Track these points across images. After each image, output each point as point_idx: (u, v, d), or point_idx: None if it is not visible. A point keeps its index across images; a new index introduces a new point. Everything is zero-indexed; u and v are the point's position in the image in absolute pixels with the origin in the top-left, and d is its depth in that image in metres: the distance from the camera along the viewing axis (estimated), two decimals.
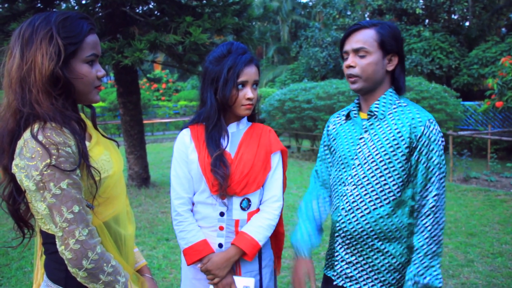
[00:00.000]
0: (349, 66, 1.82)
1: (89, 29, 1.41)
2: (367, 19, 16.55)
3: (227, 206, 1.91)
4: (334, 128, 2.02)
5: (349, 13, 16.72)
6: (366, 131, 1.85)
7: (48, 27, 1.34)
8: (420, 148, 1.73)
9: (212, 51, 1.95)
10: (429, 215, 1.73)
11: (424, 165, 1.74)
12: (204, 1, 7.38)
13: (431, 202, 1.73)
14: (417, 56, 13.27)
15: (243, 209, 1.93)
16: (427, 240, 1.72)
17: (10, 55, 1.37)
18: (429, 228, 1.73)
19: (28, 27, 1.35)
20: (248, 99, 1.88)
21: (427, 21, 15.19)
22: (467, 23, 15.41)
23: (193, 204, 1.98)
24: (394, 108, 1.83)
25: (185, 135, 1.97)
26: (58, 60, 1.33)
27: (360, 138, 1.86)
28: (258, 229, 1.91)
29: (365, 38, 1.80)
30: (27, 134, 1.30)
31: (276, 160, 2.00)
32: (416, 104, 1.85)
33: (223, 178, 1.84)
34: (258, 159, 1.93)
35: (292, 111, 10.88)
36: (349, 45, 1.83)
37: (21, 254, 4.70)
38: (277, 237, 2.11)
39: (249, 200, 1.93)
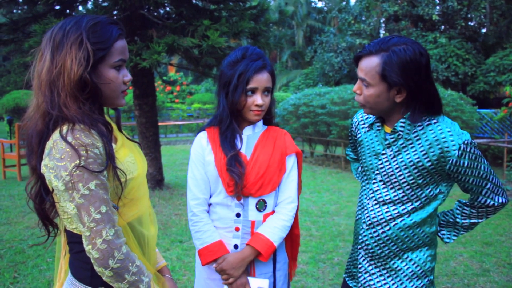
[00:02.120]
0: (355, 92, 1.77)
1: (118, 34, 1.44)
2: (383, 25, 16.51)
3: (243, 206, 1.93)
4: (359, 133, 1.97)
5: (364, 18, 16.69)
6: (389, 147, 1.79)
7: (78, 32, 1.37)
8: (465, 171, 1.69)
9: (229, 55, 1.99)
10: (498, 202, 1.79)
11: (475, 183, 1.74)
12: (222, 5, 7.42)
13: (501, 199, 1.79)
14: (432, 62, 13.19)
15: (258, 210, 1.95)
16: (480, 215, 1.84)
17: (40, 57, 1.40)
18: (484, 214, 1.84)
19: (59, 31, 1.38)
20: (257, 105, 1.91)
21: (443, 27, 15.10)
22: (484, 30, 15.29)
23: (209, 205, 2.01)
24: (420, 126, 1.72)
25: (202, 137, 2.01)
26: (87, 65, 1.35)
27: (383, 154, 1.81)
28: (273, 230, 1.93)
29: (367, 68, 1.67)
30: (56, 135, 1.32)
31: (291, 162, 2.03)
32: (449, 122, 1.73)
33: (238, 177, 1.87)
34: (273, 161, 1.96)
35: (306, 116, 10.87)
36: (358, 71, 1.73)
37: (37, 252, 4.76)
38: (292, 239, 2.14)
39: (264, 202, 1.96)
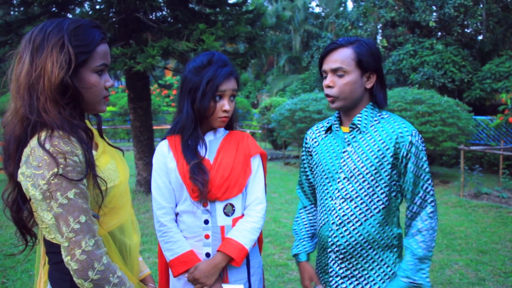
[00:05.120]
0: (328, 86, 1.84)
1: (101, 38, 1.40)
2: (380, 31, 16.54)
3: (210, 212, 1.89)
4: (316, 142, 2.01)
5: (361, 24, 16.70)
6: (349, 144, 1.87)
7: (60, 35, 1.32)
8: (410, 157, 1.78)
9: (192, 60, 1.94)
10: (426, 220, 1.80)
11: (414, 172, 1.79)
12: (218, 9, 7.39)
13: (430, 208, 1.80)
14: (429, 69, 13.19)
15: (226, 215, 1.91)
16: (421, 244, 1.78)
17: (19, 60, 1.35)
18: (424, 233, 1.79)
19: (40, 33, 1.34)
20: (225, 111, 1.88)
21: (440, 34, 15.12)
22: (480, 37, 15.32)
23: (176, 215, 1.96)
24: (376, 121, 1.86)
25: (163, 145, 1.96)
26: (68, 69, 1.31)
27: (344, 152, 1.87)
28: (243, 233, 1.90)
29: (342, 57, 1.81)
30: (34, 142, 1.28)
31: (256, 163, 2.00)
32: (398, 116, 1.90)
33: (202, 185, 1.83)
34: (237, 163, 1.93)
35: (303, 121, 10.84)
36: (327, 65, 1.84)
37: (26, 257, 4.69)
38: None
39: (232, 206, 1.92)
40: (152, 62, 5.86)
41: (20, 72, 1.32)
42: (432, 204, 1.81)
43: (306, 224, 2.12)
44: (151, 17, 7.38)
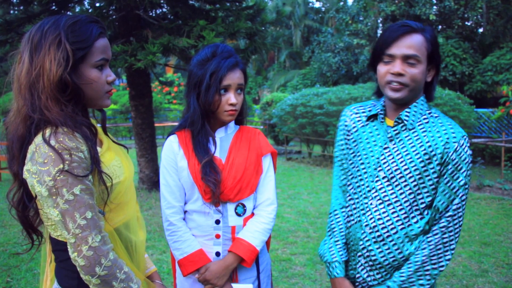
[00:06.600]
0: (399, 74, 1.61)
1: (98, 33, 1.39)
2: (380, 25, 16.49)
3: (222, 213, 1.86)
4: (355, 128, 1.79)
5: (361, 18, 16.66)
6: (391, 140, 1.68)
7: (56, 32, 1.32)
8: (448, 166, 1.60)
9: (197, 54, 1.89)
10: (436, 233, 1.63)
11: (448, 184, 1.61)
12: (218, 5, 7.38)
13: (443, 222, 1.63)
14: None
15: (238, 215, 1.89)
16: (424, 257, 1.62)
17: (19, 60, 1.36)
18: (432, 247, 1.63)
19: (37, 32, 1.34)
20: (231, 104, 1.81)
21: (440, 27, 15.08)
22: (481, 30, 15.28)
23: (185, 212, 1.94)
24: (425, 119, 1.67)
25: (173, 142, 1.91)
26: (66, 66, 1.31)
27: (385, 148, 1.68)
28: (254, 234, 1.87)
29: (418, 45, 1.61)
30: (38, 139, 1.28)
31: (267, 162, 1.96)
32: (447, 117, 1.72)
33: (215, 185, 1.79)
34: (250, 163, 1.89)
35: (304, 116, 10.84)
36: (399, 50, 1.61)
37: (32, 256, 4.70)
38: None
39: (243, 206, 1.89)
40: (153, 59, 5.85)
41: (21, 71, 1.33)
42: (448, 219, 1.63)
43: (344, 225, 1.82)
44: (151, 14, 7.37)
